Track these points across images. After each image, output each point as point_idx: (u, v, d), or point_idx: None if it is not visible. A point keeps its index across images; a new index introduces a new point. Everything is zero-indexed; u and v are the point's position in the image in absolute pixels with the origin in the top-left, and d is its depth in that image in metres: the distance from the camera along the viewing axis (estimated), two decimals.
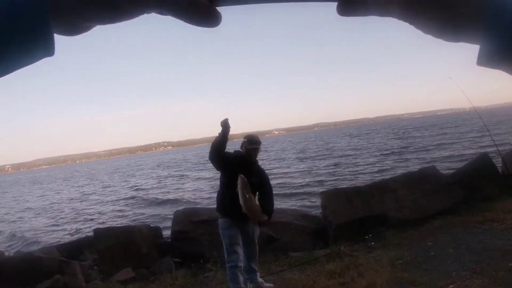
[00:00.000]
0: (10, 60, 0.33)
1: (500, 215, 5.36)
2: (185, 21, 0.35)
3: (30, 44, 0.32)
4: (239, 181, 3.52)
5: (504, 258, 3.76)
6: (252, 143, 4.00)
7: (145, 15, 0.36)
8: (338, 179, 19.72)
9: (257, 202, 3.69)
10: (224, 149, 3.81)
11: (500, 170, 6.93)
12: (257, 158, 4.10)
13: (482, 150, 11.57)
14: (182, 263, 6.10)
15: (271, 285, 4.33)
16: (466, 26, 0.36)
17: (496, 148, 7.36)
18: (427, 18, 0.37)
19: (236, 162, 3.91)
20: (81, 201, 26.09)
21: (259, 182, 3.97)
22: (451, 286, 3.49)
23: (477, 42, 0.37)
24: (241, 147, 4.06)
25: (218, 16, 0.36)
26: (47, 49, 0.33)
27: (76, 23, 0.35)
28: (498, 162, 7.30)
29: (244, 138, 4.10)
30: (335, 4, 0.37)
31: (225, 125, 3.65)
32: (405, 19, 0.37)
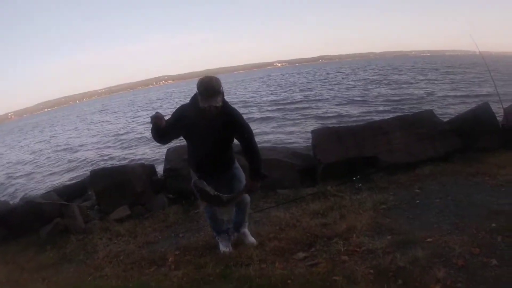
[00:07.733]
0: None
1: (493, 169, 5.22)
2: None
3: None
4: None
5: (489, 218, 3.67)
6: (205, 98, 3.11)
7: None
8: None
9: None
10: (165, 134, 3.35)
11: (500, 122, 6.67)
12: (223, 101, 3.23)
13: (484, 99, 10.97)
14: (175, 199, 6.21)
15: (254, 241, 4.04)
16: None
17: (499, 99, 7.03)
18: None
19: (195, 124, 3.28)
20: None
21: (235, 135, 3.47)
22: (429, 239, 3.44)
23: None
24: (193, 99, 3.31)
25: None
26: None
27: None
28: (499, 114, 7.02)
29: (197, 87, 3.16)
30: None
31: (153, 119, 3.17)
32: None
